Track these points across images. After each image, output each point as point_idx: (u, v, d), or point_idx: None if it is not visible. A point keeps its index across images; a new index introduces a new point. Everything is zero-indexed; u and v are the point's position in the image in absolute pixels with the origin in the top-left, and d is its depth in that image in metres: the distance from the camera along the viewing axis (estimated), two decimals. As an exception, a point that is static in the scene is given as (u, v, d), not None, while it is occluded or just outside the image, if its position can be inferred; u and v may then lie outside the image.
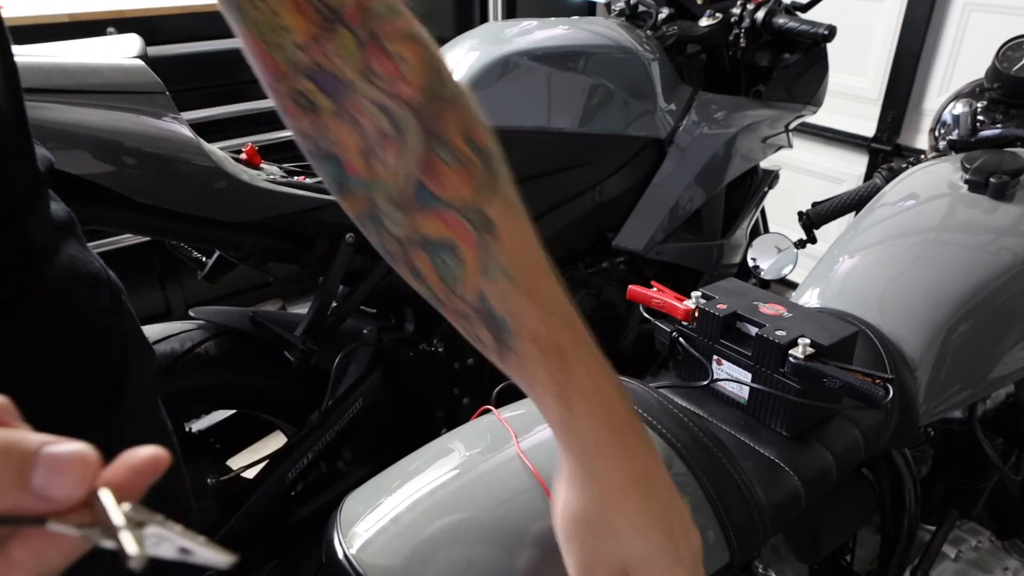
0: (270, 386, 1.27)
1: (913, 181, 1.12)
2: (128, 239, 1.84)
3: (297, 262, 1.21)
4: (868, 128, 2.69)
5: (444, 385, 1.44)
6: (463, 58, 1.43)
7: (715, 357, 0.75)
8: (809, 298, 0.96)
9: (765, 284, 1.66)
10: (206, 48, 2.17)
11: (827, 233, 1.26)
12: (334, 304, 1.23)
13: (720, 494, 0.63)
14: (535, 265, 0.45)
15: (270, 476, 1.23)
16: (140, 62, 1.01)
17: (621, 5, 1.72)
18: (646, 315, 0.81)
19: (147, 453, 0.26)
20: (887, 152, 2.63)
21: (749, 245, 1.30)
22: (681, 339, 0.78)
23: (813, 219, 1.33)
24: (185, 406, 1.22)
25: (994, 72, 1.22)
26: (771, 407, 0.72)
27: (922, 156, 1.27)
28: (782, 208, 2.17)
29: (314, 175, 1.27)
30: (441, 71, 0.43)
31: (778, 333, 0.70)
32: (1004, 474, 1.05)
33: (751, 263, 1.28)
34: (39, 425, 0.26)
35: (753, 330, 0.73)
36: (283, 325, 1.22)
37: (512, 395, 0.74)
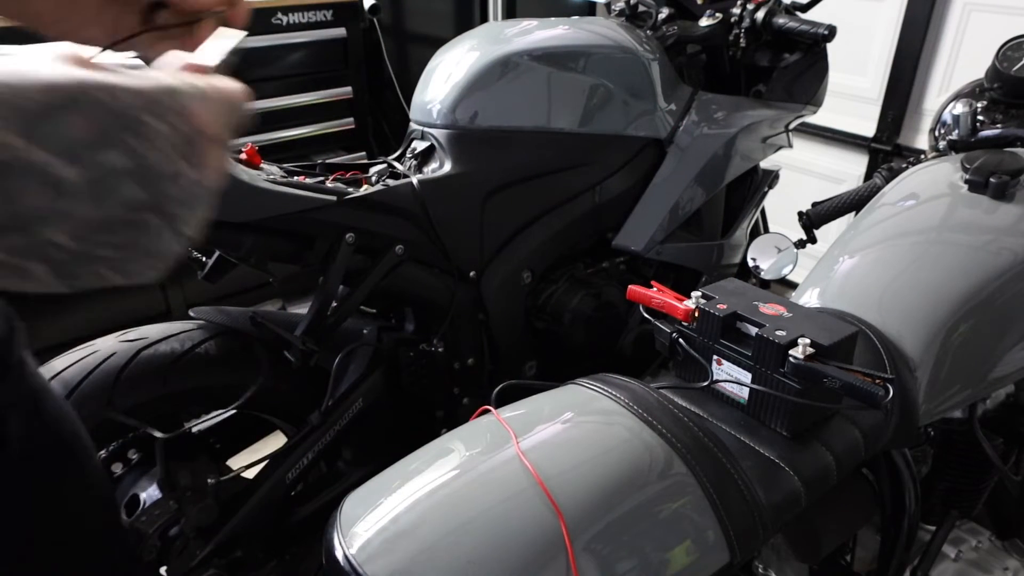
0: (270, 386, 1.27)
1: (913, 181, 1.12)
2: (128, 239, 1.83)
3: (297, 262, 1.20)
4: (868, 128, 2.69)
5: (444, 385, 1.44)
6: (463, 58, 1.43)
7: (715, 357, 0.75)
8: (809, 298, 0.96)
9: (765, 284, 1.67)
10: (206, 48, 2.17)
11: (827, 233, 1.26)
12: (334, 304, 1.23)
13: (720, 494, 0.63)
14: None
15: (270, 476, 1.23)
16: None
17: (621, 5, 1.72)
18: (646, 315, 0.81)
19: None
20: (887, 152, 2.63)
21: (749, 245, 1.30)
22: (681, 339, 0.78)
23: (813, 219, 1.33)
24: (185, 406, 1.22)
25: (994, 72, 1.22)
26: (771, 407, 0.72)
27: (922, 156, 1.27)
28: (782, 208, 2.17)
29: (314, 175, 1.27)
30: None
31: (778, 333, 0.70)
32: (1004, 474, 1.05)
33: (751, 263, 1.28)
34: None
35: (753, 330, 0.73)
36: (283, 325, 1.22)
37: (512, 395, 0.74)
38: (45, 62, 0.32)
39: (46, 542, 0.63)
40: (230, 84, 0.40)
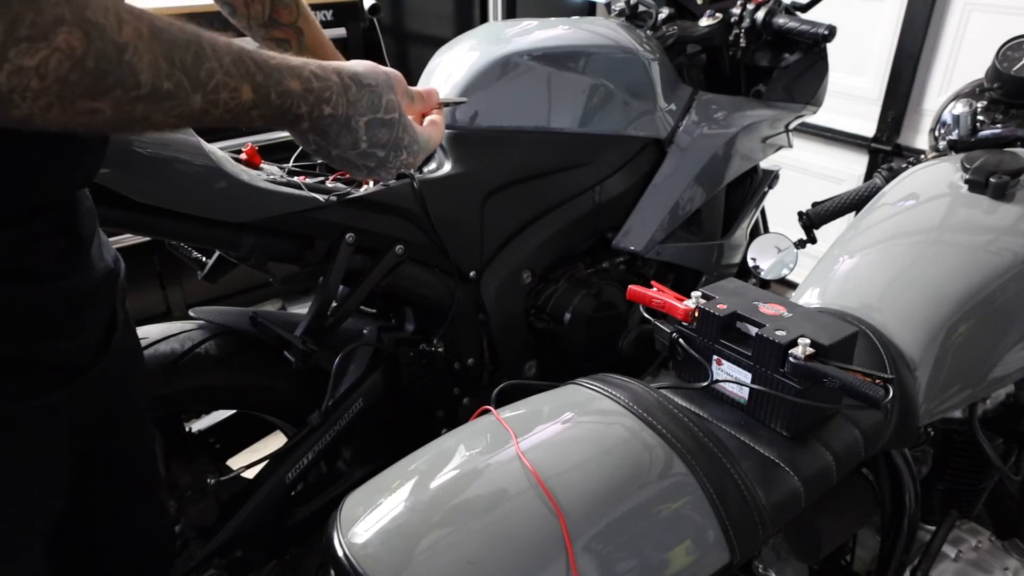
0: (270, 386, 1.27)
1: (913, 181, 1.12)
2: (128, 239, 1.83)
3: (297, 262, 1.20)
4: (868, 128, 2.69)
5: (444, 385, 1.43)
6: (463, 58, 1.43)
7: (715, 357, 0.76)
8: (809, 298, 0.96)
9: (765, 284, 1.67)
10: (206, 48, 2.16)
11: (827, 233, 1.26)
12: (334, 304, 1.23)
13: (720, 494, 0.63)
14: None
15: (270, 476, 1.23)
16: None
17: (621, 5, 1.72)
18: (646, 315, 0.81)
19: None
20: (887, 152, 2.64)
21: (749, 245, 1.30)
22: (681, 340, 0.78)
23: (813, 219, 1.33)
24: (185, 406, 1.22)
25: (994, 72, 1.22)
26: (771, 407, 0.72)
27: (922, 156, 1.27)
28: (782, 208, 2.17)
29: (314, 175, 1.27)
30: None
31: (778, 333, 0.70)
32: (1004, 474, 1.05)
33: (751, 263, 1.28)
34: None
35: (753, 330, 0.73)
36: (283, 325, 1.22)
37: (512, 395, 0.74)
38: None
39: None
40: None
